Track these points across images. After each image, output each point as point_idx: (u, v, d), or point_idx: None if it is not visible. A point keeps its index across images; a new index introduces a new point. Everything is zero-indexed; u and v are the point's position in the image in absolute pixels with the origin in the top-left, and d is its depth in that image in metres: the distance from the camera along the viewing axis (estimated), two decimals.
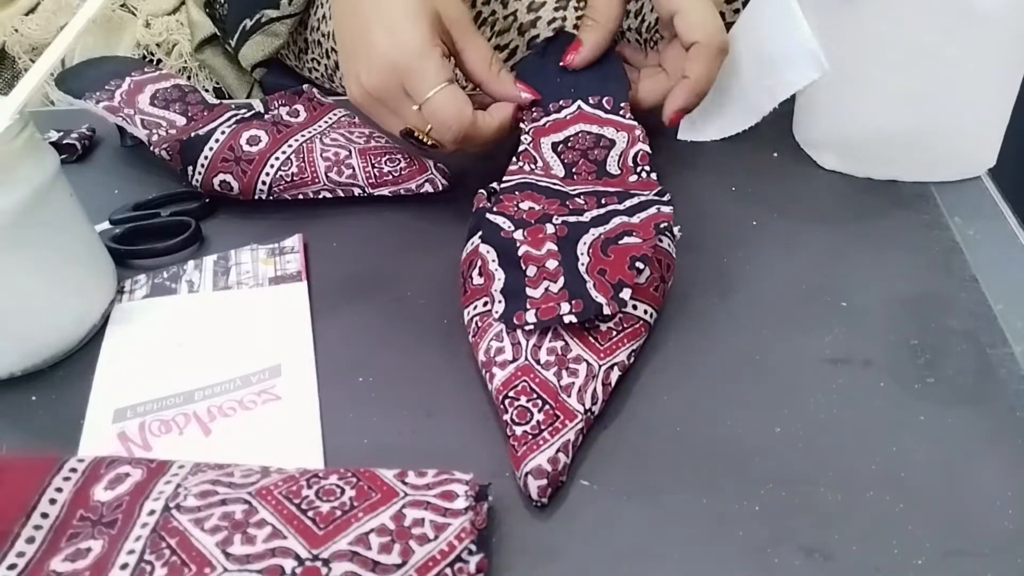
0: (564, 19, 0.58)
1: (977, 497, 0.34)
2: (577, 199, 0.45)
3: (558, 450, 0.35)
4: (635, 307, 0.41)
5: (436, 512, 0.32)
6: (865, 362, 0.40)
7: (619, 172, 0.49)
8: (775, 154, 0.55)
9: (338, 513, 0.31)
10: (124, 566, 0.30)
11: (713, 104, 0.56)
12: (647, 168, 0.48)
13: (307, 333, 0.43)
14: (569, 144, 0.50)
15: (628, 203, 0.44)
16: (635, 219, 0.42)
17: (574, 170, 0.49)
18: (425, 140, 0.47)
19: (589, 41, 0.52)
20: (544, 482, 0.34)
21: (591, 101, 0.52)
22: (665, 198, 0.44)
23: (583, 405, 0.37)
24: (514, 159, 0.49)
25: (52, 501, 0.32)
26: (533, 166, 0.49)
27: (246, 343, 0.43)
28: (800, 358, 0.41)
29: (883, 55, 0.48)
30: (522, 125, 0.51)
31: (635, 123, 0.50)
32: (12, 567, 0.30)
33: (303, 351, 0.42)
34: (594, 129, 0.50)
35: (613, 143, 0.50)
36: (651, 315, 0.41)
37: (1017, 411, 0.38)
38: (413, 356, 0.42)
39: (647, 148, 0.49)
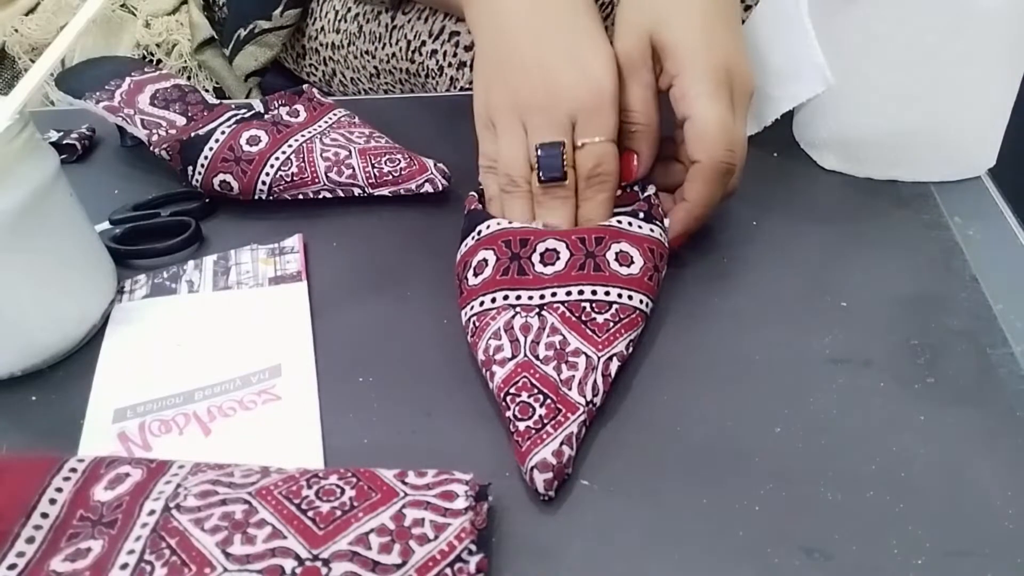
0: None
1: (977, 497, 0.34)
2: None
3: (562, 443, 0.35)
4: (631, 297, 0.41)
5: (436, 512, 0.32)
6: (865, 362, 0.40)
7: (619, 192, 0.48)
8: (775, 154, 0.55)
9: (338, 513, 0.31)
10: (124, 566, 0.30)
11: None
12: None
13: (307, 333, 0.43)
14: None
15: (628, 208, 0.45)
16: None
17: None
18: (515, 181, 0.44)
19: (644, 152, 0.46)
20: (550, 475, 0.34)
21: None
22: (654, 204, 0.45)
23: (584, 397, 0.37)
24: None
25: (52, 501, 0.32)
26: None
27: (246, 343, 0.43)
28: (800, 358, 0.41)
29: (883, 55, 0.48)
30: None
31: None
32: (12, 567, 0.30)
33: (303, 351, 0.42)
34: None
35: None
36: (647, 304, 0.41)
37: (1017, 411, 0.38)
38: (413, 356, 0.42)
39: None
